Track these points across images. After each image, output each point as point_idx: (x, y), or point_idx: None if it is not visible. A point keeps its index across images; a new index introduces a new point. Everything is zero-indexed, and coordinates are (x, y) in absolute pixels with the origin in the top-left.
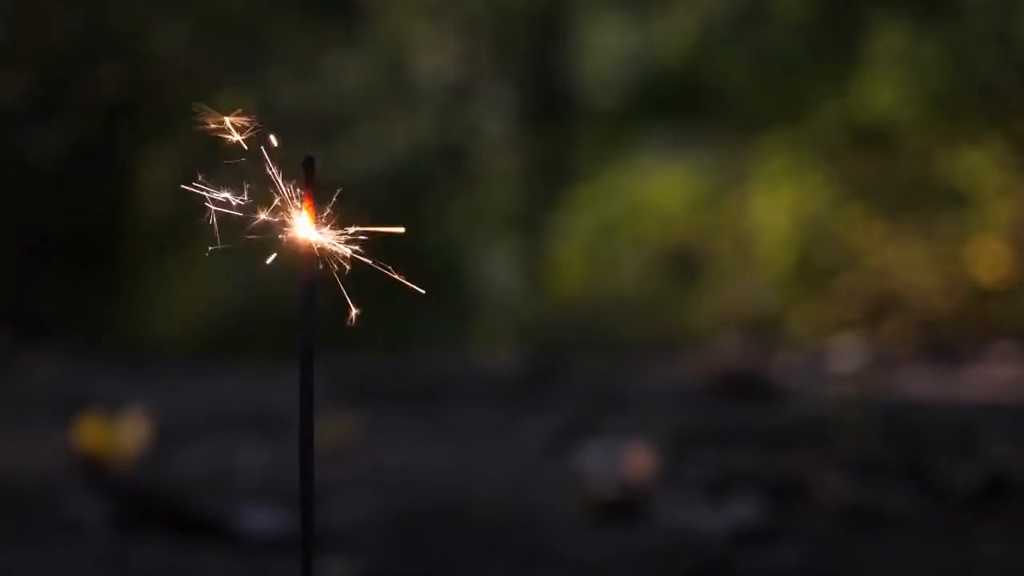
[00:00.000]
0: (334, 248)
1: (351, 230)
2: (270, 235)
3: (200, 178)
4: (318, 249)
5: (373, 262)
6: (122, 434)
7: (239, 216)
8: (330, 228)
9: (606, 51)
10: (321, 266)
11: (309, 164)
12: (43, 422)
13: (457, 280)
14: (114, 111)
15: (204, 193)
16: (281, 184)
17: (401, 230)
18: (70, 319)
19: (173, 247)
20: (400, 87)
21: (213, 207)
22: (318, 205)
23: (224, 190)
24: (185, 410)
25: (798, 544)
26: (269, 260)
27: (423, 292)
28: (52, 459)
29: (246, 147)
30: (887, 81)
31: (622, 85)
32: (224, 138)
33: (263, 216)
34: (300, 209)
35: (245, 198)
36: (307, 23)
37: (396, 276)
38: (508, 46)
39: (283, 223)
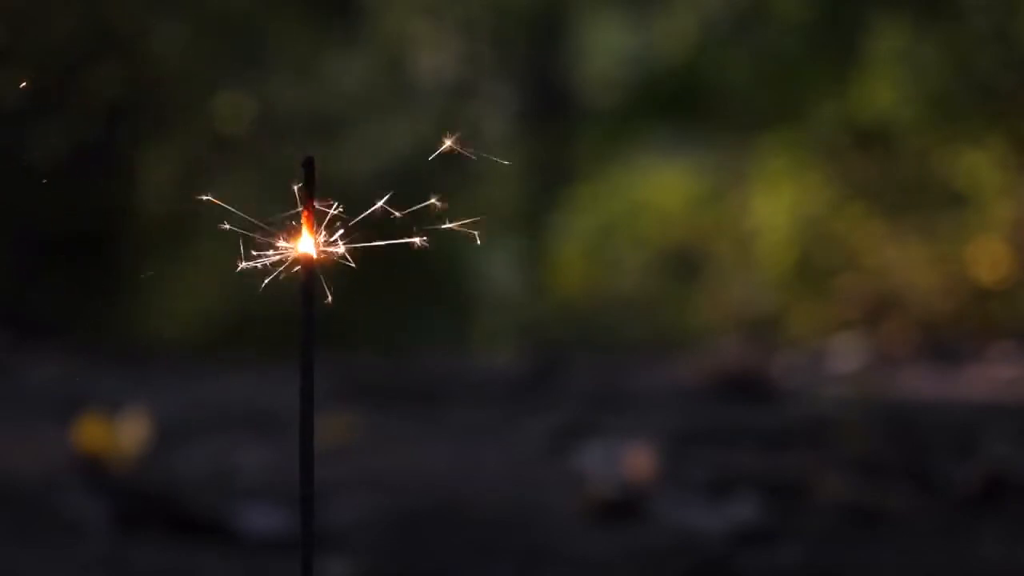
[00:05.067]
0: (333, 253)
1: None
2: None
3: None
4: (316, 258)
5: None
6: (122, 434)
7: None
8: (329, 233)
9: (606, 51)
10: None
11: (309, 166)
12: (43, 422)
13: (457, 280)
14: (114, 111)
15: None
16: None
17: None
18: (70, 319)
19: (173, 247)
20: (400, 87)
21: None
22: (318, 207)
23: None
24: (185, 410)
25: (798, 544)
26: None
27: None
28: (52, 459)
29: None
30: (887, 81)
31: (622, 85)
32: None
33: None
34: (300, 216)
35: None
36: (307, 23)
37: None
38: (508, 46)
39: (285, 232)
